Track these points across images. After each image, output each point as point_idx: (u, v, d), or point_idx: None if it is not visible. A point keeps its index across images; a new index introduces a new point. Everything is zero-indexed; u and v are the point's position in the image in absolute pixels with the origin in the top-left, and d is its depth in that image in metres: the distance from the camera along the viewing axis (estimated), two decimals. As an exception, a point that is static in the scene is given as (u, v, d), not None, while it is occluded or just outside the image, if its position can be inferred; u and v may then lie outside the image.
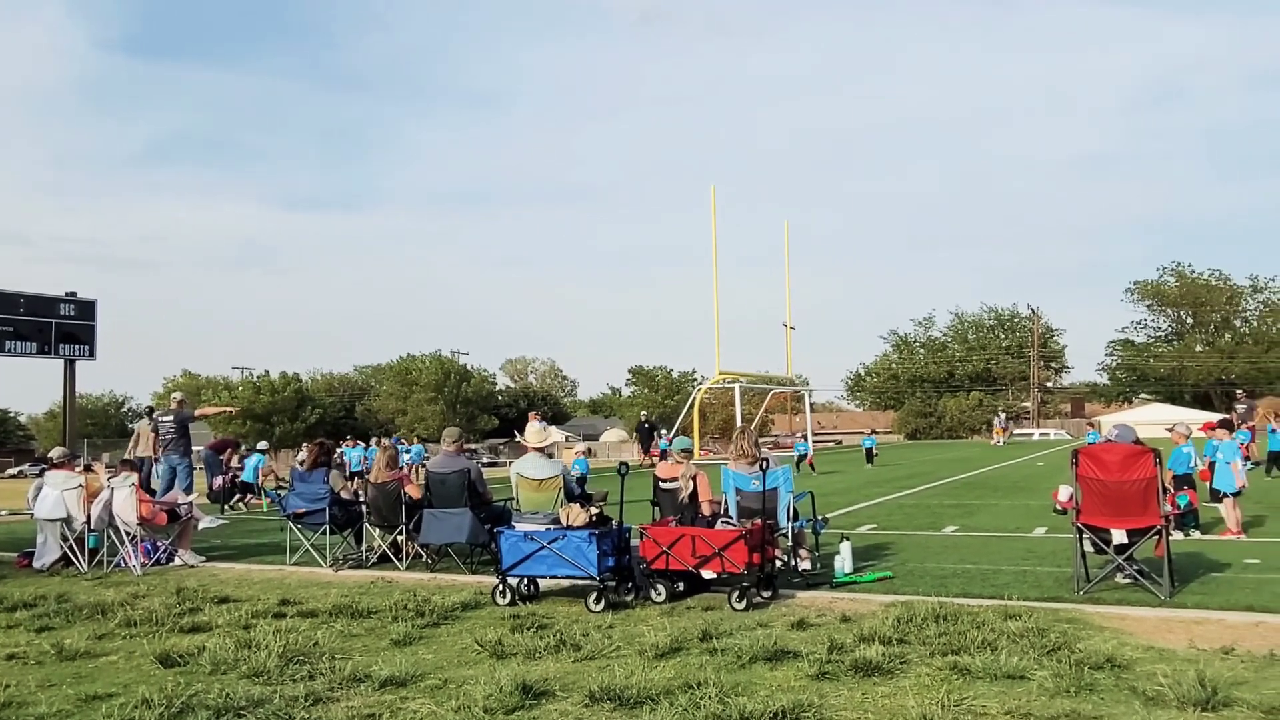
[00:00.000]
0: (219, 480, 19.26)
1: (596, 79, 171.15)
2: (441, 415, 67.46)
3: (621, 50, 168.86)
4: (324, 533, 9.97)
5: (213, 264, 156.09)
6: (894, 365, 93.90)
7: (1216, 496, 10.89)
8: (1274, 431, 20.10)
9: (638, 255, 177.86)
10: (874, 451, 31.99)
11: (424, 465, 18.88)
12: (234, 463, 20.52)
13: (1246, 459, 21.81)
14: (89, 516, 9.96)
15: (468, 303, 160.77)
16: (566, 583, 7.87)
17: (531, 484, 7.97)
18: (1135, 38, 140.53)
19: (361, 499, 10.14)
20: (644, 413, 37.37)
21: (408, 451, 28.95)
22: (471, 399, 73.21)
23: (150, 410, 20.86)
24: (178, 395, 16.00)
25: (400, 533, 9.69)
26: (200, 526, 11.59)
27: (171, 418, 14.83)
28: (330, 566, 9.67)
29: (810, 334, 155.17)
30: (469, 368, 76.22)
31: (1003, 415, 60.84)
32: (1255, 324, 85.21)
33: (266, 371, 74.46)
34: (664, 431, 34.09)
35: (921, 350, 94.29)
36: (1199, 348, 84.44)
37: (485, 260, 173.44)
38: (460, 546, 9.47)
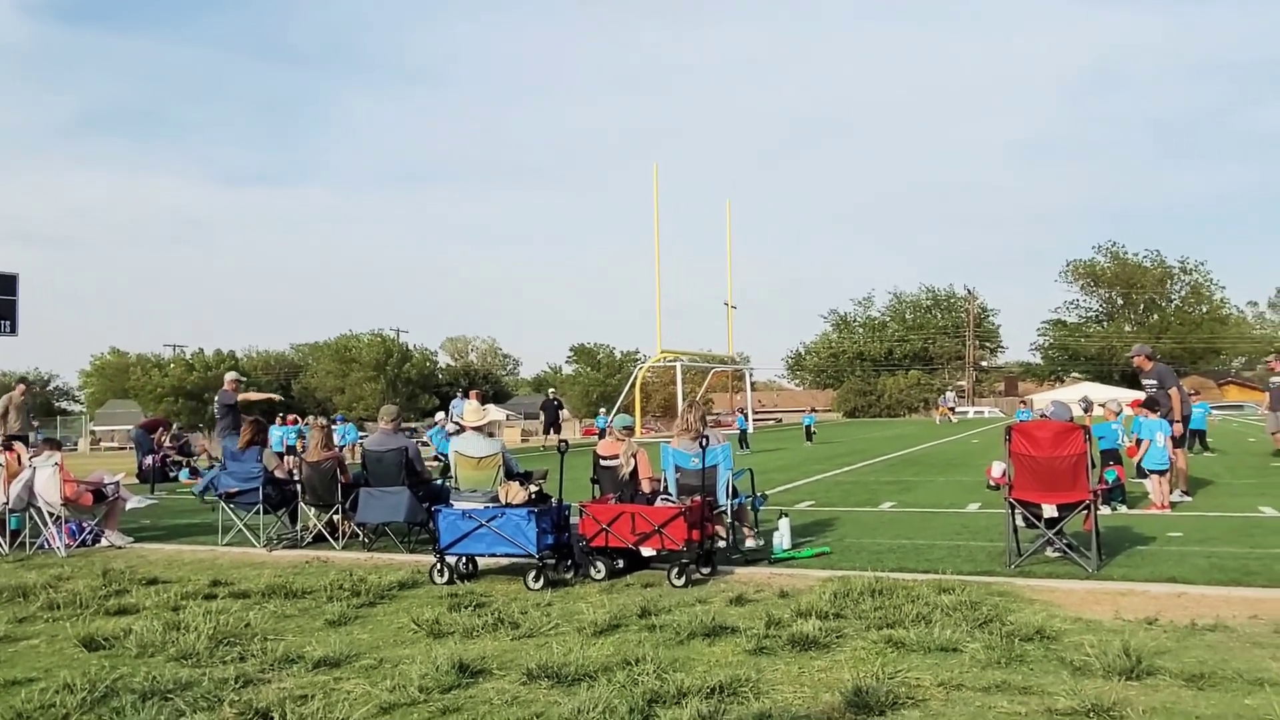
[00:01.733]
0: (149, 459, 18.81)
1: (539, 55, 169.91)
2: (381, 394, 66.68)
3: (565, 26, 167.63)
4: (258, 512, 9.79)
5: (144, 239, 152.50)
6: (834, 344, 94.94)
7: (1144, 472, 11.16)
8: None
9: (580, 233, 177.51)
10: (813, 429, 32.37)
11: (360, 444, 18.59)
12: (166, 442, 20.06)
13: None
14: (9, 497, 9.64)
15: (407, 280, 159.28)
16: (505, 561, 7.82)
17: (470, 462, 7.89)
18: (1077, 24, 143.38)
19: (296, 478, 9.96)
20: (551, 390, 36.93)
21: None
22: (412, 378, 72.49)
23: (25, 380, 20.20)
24: (230, 375, 15.48)
25: (336, 512, 9.54)
26: (128, 506, 11.29)
27: (218, 399, 14.87)
28: (264, 547, 9.49)
29: (752, 313, 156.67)
30: (409, 346, 75.42)
31: (950, 395, 61.73)
32: (1180, 305, 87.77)
33: (201, 349, 72.97)
34: (604, 410, 34.06)
35: (861, 329, 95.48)
36: (1128, 327, 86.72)
37: (425, 237, 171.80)
38: (398, 525, 9.35)
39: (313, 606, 6.67)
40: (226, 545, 9.72)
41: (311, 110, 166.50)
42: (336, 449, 10.02)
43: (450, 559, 7.56)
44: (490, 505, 7.55)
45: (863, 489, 14.43)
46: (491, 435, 8.42)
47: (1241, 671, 4.53)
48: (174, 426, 23.12)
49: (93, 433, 72.86)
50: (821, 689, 4.49)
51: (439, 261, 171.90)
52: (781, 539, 8.35)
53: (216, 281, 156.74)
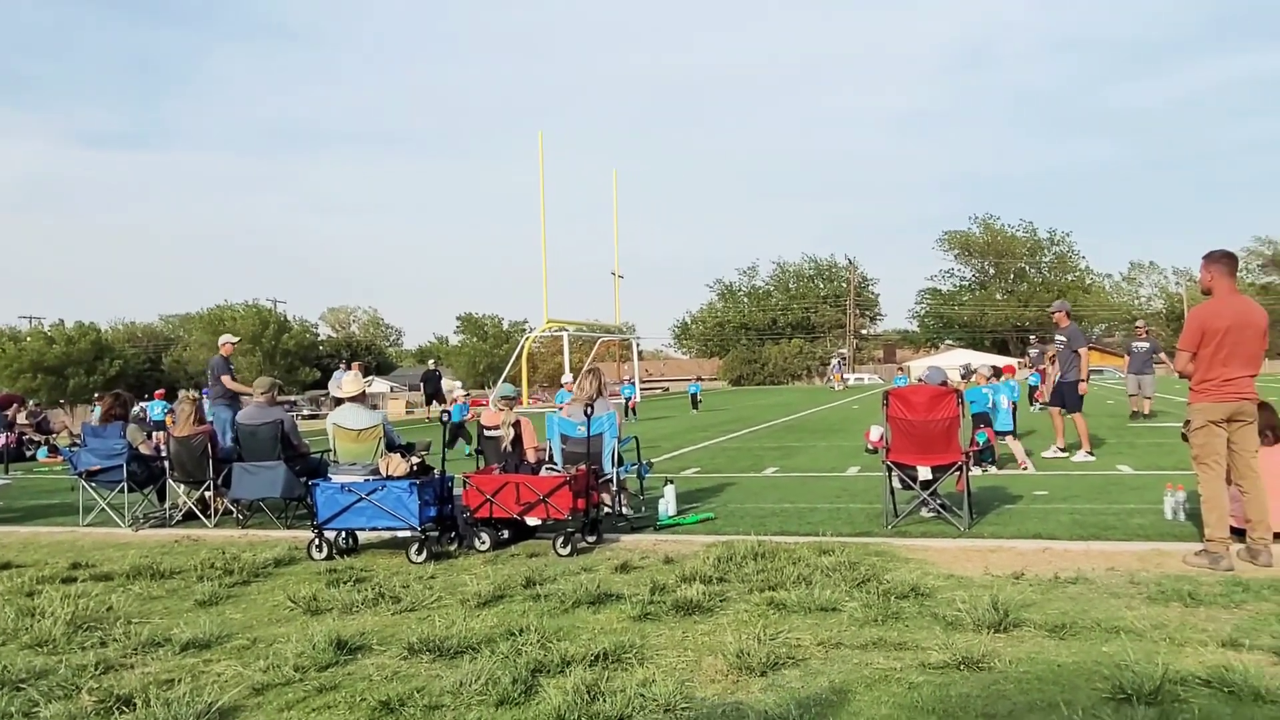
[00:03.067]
0: (2, 438, 17.76)
1: (426, 17, 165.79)
2: (259, 367, 64.50)
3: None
4: (122, 490, 9.32)
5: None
6: (719, 314, 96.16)
7: (1005, 434, 11.62)
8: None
9: (466, 200, 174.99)
10: (699, 397, 32.76)
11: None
12: (21, 419, 18.97)
13: (1035, 401, 23.57)
14: None
15: (285, 248, 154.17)
16: (387, 535, 7.64)
17: (350, 434, 7.66)
18: (949, 1, 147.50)
19: (164, 454, 9.52)
20: (433, 360, 35.49)
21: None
22: (292, 350, 70.35)
23: None
24: (225, 338, 13.53)
25: (208, 488, 9.17)
26: (-21, 488, 10.63)
27: (211, 366, 13.00)
28: (130, 526, 9.06)
29: (639, 282, 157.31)
30: (287, 318, 73.13)
31: (838, 360, 63.11)
32: (1048, 274, 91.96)
33: (61, 321, 69.27)
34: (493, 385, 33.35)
35: (746, 299, 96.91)
36: (999, 296, 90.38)
37: (304, 203, 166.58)
38: (274, 501, 9.05)
39: (181, 587, 6.40)
40: (88, 526, 9.24)
41: (182, 68, 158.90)
42: (208, 423, 9.61)
43: (329, 534, 7.36)
44: (371, 478, 7.37)
45: (747, 455, 14.65)
46: (375, 407, 8.20)
47: (1100, 621, 4.75)
48: (30, 403, 21.87)
49: (-58, 411, 68.47)
50: (705, 652, 4.52)
51: (318, 230, 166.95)
52: (667, 506, 8.40)
53: (78, 249, 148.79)
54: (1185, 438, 6.43)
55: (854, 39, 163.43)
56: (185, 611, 5.73)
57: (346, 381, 8.07)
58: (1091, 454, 12.03)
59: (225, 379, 12.44)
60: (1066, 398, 12.04)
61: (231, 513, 9.23)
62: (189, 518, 9.28)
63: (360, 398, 7.94)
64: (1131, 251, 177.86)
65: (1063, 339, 12.14)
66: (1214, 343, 6.07)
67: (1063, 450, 12.24)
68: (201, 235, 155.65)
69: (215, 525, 9.00)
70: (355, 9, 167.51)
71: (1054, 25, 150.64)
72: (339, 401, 7.85)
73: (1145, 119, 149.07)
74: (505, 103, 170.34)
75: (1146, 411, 18.27)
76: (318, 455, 8.96)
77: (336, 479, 7.42)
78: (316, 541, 7.29)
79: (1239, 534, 6.17)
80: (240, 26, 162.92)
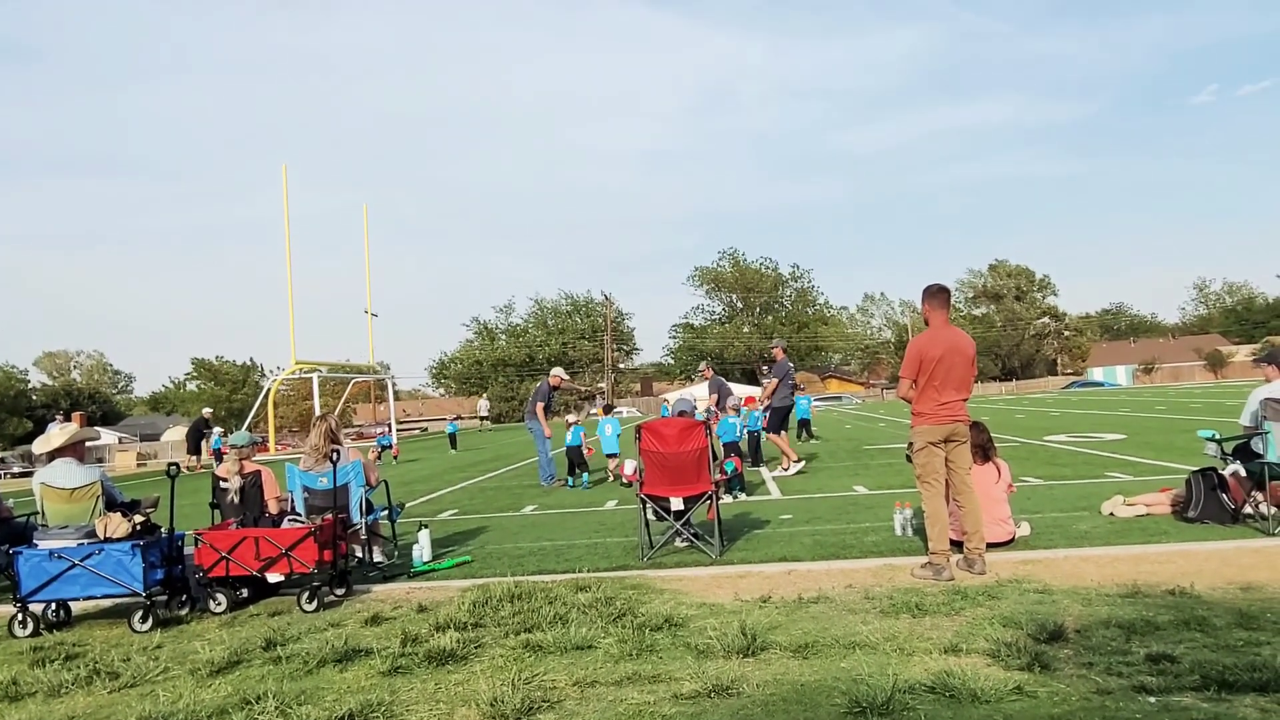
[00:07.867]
0: None
1: (157, 38, 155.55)
2: (-43, 421, 57.63)
3: (186, 7, 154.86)
4: None
5: None
6: (476, 351, 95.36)
7: (759, 460, 12.21)
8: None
9: (203, 236, 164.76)
10: (457, 437, 32.22)
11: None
12: None
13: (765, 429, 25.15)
14: None
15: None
16: (109, 603, 6.94)
17: (61, 494, 6.90)
18: (692, 46, 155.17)
19: None
20: (207, 410, 32.96)
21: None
22: (-3, 401, 63.38)
23: None
24: (557, 370, 16.01)
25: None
26: None
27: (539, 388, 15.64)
28: None
29: (393, 321, 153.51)
30: (-8, 364, 65.88)
31: (599, 399, 64.03)
32: (791, 307, 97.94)
33: None
34: (218, 429, 31.23)
35: (504, 336, 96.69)
36: (746, 328, 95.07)
37: (10, 238, 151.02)
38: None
39: None
40: None
41: None
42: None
43: (36, 607, 6.59)
44: (86, 542, 6.66)
45: (506, 494, 14.49)
46: (101, 460, 7.42)
47: (839, 638, 4.99)
48: None
49: None
50: (459, 703, 4.37)
51: (31, 264, 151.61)
52: (421, 551, 8.13)
53: None
54: (909, 459, 6.93)
55: (603, 79, 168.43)
56: None
57: (55, 435, 7.27)
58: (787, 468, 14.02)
59: (539, 406, 15.07)
60: (772, 421, 14.23)
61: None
62: None
63: (73, 451, 7.17)
64: (866, 284, 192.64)
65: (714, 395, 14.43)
66: (930, 370, 6.59)
67: (788, 468, 13.95)
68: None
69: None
70: (72, 22, 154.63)
71: (787, 74, 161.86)
72: (52, 458, 7.04)
73: (871, 162, 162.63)
74: (245, 133, 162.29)
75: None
76: (23, 518, 8.03)
77: (44, 545, 6.66)
78: (19, 617, 6.50)
79: (958, 545, 6.71)
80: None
